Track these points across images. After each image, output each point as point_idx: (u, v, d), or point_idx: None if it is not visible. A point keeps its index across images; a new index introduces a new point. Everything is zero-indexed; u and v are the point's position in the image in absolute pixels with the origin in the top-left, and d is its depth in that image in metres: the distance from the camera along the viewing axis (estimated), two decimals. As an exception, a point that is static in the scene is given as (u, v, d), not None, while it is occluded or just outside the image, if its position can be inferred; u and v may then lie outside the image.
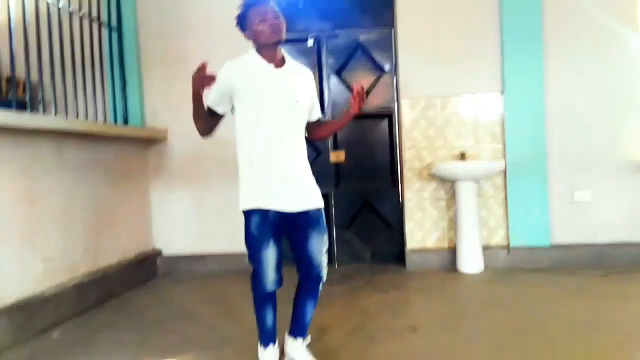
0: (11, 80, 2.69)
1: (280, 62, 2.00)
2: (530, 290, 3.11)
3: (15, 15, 2.67)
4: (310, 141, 2.26)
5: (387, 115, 3.90)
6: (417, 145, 3.75)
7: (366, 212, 3.97)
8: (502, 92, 3.66)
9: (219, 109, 2.01)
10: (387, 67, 3.89)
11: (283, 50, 2.03)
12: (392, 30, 3.87)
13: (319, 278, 2.00)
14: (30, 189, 2.68)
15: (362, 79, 3.93)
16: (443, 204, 3.75)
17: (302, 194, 1.97)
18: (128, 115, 3.81)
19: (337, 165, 3.95)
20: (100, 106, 3.55)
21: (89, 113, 3.37)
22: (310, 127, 2.17)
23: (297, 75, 2.03)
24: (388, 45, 3.88)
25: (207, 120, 2.00)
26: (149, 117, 3.91)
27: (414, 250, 3.76)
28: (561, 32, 3.61)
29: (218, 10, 3.76)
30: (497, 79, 3.67)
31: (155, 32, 3.90)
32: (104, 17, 3.65)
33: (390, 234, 3.93)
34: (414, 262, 3.74)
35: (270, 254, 1.90)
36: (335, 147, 3.94)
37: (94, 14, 3.50)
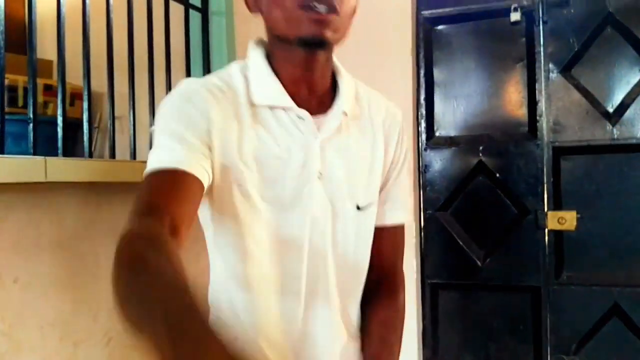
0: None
1: (318, 100, 0.93)
2: None
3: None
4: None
5: (669, 148, 2.08)
6: None
7: (615, 325, 2.21)
8: None
9: (201, 173, 0.82)
10: (669, 56, 2.06)
11: (335, 61, 0.97)
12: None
13: None
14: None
15: (616, 77, 2.16)
16: None
17: None
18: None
19: (559, 235, 2.24)
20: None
21: (142, 145, 2.04)
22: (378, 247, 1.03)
23: (367, 133, 0.98)
24: (673, 15, 2.07)
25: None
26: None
27: None
28: None
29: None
30: None
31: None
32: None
33: (666, 373, 2.09)
34: None
35: None
36: (557, 203, 2.20)
37: None
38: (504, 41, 2.30)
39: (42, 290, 1.55)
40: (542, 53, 2.23)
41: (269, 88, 0.91)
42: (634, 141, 2.14)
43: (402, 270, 1.10)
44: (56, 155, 1.70)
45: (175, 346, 0.47)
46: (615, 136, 2.16)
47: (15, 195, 1.45)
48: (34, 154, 1.62)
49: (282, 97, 0.90)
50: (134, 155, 2.07)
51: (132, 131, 2.08)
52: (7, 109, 2.27)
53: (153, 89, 2.19)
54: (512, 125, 2.30)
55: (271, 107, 0.91)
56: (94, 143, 2.60)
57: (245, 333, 0.92)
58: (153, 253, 0.64)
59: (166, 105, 0.90)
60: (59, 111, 1.73)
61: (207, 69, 2.48)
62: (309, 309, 0.94)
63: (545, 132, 2.23)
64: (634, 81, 2.15)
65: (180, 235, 0.75)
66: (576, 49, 2.21)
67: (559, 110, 2.22)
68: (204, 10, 2.47)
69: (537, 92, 2.24)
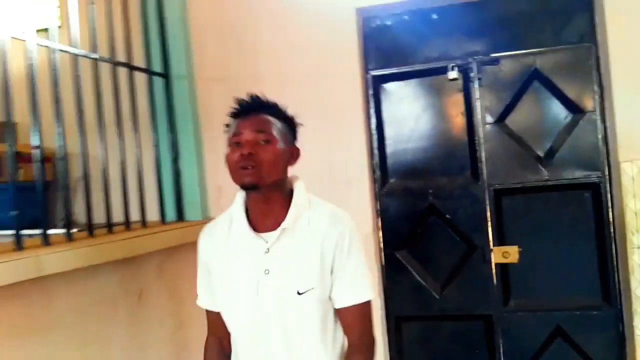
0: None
1: (273, 221, 1.35)
2: None
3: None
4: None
5: (592, 186, 2.38)
6: (654, 240, 2.17)
7: (558, 346, 2.47)
8: None
9: (208, 304, 1.50)
10: (588, 106, 2.36)
11: (297, 186, 1.40)
12: (593, 48, 2.36)
13: None
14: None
15: (545, 125, 2.43)
16: None
17: None
18: (182, 203, 2.56)
19: (505, 268, 2.48)
20: (134, 190, 2.31)
21: (115, 203, 2.16)
22: (346, 321, 1.39)
23: (305, 238, 1.34)
24: (587, 71, 2.38)
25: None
26: (213, 200, 2.63)
27: (654, 422, 2.16)
28: None
29: (303, 42, 2.58)
30: None
31: (217, 74, 2.64)
32: (140, 61, 2.46)
33: (602, 385, 2.36)
34: None
35: None
36: (501, 238, 2.44)
37: (122, 57, 2.35)
38: (444, 96, 2.54)
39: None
40: (478, 106, 2.49)
41: (240, 220, 1.39)
42: (564, 181, 2.41)
43: (364, 337, 1.39)
44: (34, 218, 1.81)
45: None
46: (547, 177, 2.43)
47: (9, 289, 1.54)
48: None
49: (244, 225, 1.37)
50: (108, 220, 2.16)
51: (104, 192, 2.17)
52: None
53: (124, 150, 2.30)
54: (457, 170, 2.53)
55: (240, 232, 1.39)
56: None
57: None
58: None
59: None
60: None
61: (172, 130, 2.60)
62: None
63: (486, 175, 2.48)
64: (560, 129, 2.43)
65: (225, 340, 1.50)
66: (508, 102, 2.47)
67: (497, 155, 2.48)
68: (165, 76, 2.60)
69: (476, 140, 2.49)
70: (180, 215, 2.61)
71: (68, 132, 2.03)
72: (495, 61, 2.47)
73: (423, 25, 2.55)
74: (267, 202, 1.36)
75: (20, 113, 1.91)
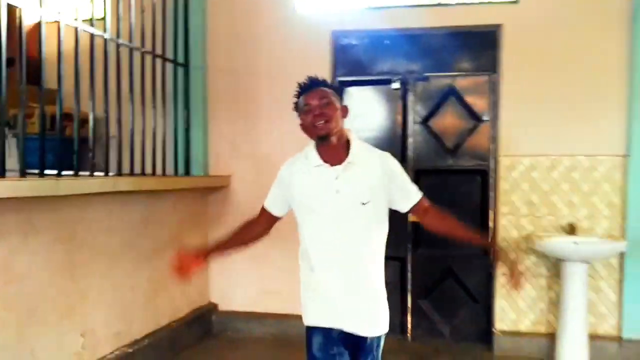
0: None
1: (338, 158, 1.79)
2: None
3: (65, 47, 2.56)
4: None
5: (481, 172, 3.40)
6: (515, 211, 3.27)
7: (448, 281, 3.55)
8: (626, 156, 3.07)
9: (274, 211, 1.95)
10: (485, 117, 3.37)
11: (351, 135, 1.85)
12: (494, 77, 3.35)
13: None
14: (72, 257, 2.44)
15: (455, 127, 3.42)
16: (543, 282, 3.26)
17: (363, 315, 1.81)
18: (190, 163, 3.47)
19: (416, 224, 3.46)
20: (159, 150, 3.19)
21: (147, 160, 3.04)
22: (418, 213, 1.95)
23: (363, 169, 1.81)
24: (487, 93, 3.37)
25: (252, 233, 2.00)
26: (213, 163, 3.55)
27: (504, 333, 3.28)
28: None
29: (291, 50, 3.51)
30: (621, 140, 3.16)
31: (225, 67, 3.54)
32: (170, 54, 3.32)
33: (475, 309, 3.49)
34: (503, 347, 3.29)
35: None
36: (418, 204, 3.44)
37: (158, 50, 3.22)
38: (389, 101, 3.53)
39: (114, 259, 2.59)
40: (411, 110, 3.48)
41: (315, 158, 1.80)
42: (463, 167, 3.45)
43: (429, 205, 1.93)
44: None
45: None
46: (452, 164, 3.46)
47: (95, 198, 2.46)
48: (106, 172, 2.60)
49: (319, 160, 1.80)
50: (143, 169, 3.05)
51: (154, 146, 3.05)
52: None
53: (143, 119, 3.13)
54: (393, 154, 3.49)
55: (315, 165, 1.81)
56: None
57: (321, 264, 1.81)
58: (243, 226, 2.00)
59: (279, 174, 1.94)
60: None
61: (187, 107, 3.49)
62: (349, 249, 1.79)
63: (412, 159, 3.49)
64: (464, 131, 3.45)
65: (260, 227, 1.99)
66: (432, 108, 3.47)
67: (420, 146, 3.49)
68: (186, 65, 3.48)
69: (407, 134, 3.49)
70: (187, 171, 3.52)
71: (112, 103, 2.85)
72: (426, 79, 3.46)
73: (378, 47, 3.51)
74: (334, 146, 1.77)
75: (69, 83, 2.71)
